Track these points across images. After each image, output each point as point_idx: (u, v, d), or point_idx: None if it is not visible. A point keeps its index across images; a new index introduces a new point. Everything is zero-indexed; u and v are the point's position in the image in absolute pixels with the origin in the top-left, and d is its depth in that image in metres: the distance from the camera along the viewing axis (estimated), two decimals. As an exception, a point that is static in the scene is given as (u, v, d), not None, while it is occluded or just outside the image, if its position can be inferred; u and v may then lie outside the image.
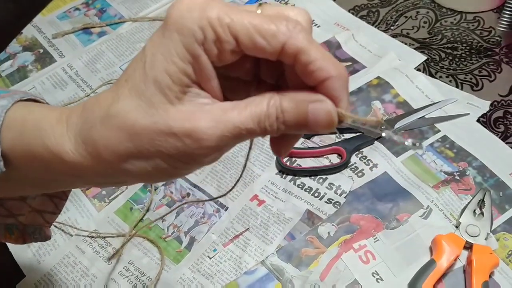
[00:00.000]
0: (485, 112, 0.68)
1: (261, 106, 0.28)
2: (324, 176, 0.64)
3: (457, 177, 0.62)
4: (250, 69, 0.31)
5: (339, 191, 0.62)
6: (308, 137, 0.68)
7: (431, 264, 0.54)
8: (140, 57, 0.28)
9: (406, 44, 0.77)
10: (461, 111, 0.68)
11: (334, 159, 0.66)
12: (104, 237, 0.61)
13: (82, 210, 0.64)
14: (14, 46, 0.84)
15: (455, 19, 0.80)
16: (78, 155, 0.30)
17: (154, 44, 0.28)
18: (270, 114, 0.28)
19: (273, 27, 0.26)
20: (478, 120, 0.67)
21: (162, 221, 0.62)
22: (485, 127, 0.67)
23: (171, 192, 0.64)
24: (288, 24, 0.27)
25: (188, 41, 0.27)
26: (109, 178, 0.32)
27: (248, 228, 0.61)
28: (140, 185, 0.65)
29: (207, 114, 0.28)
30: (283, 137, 0.31)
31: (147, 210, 0.63)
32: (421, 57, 0.75)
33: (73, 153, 0.30)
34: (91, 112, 0.30)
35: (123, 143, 0.28)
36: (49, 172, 0.33)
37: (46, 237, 0.44)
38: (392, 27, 0.80)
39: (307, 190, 0.63)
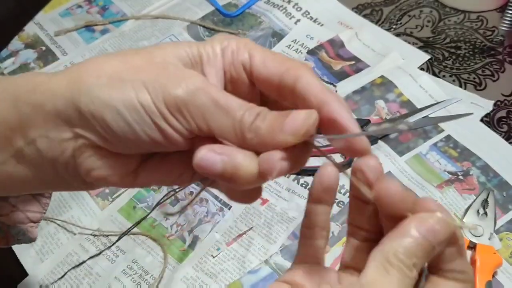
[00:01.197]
0: (488, 111, 0.68)
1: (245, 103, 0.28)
2: (327, 175, 0.64)
3: (460, 177, 0.62)
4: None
5: (342, 191, 0.62)
6: (311, 136, 0.68)
7: (435, 264, 0.54)
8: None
9: (409, 43, 0.77)
10: (464, 110, 0.68)
11: (338, 158, 0.66)
12: (108, 236, 0.61)
13: (85, 208, 0.64)
14: (16, 43, 0.84)
15: (458, 18, 0.80)
16: (54, 80, 0.29)
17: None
18: (254, 107, 0.28)
19: (281, 56, 0.29)
20: (481, 120, 0.67)
21: (166, 220, 0.62)
22: (489, 126, 0.67)
23: (176, 191, 0.64)
24: (295, 59, 0.31)
25: (215, 42, 0.30)
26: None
27: (251, 227, 0.61)
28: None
29: (202, 76, 0.29)
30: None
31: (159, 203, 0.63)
32: (424, 56, 0.75)
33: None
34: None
35: (102, 66, 0.28)
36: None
37: (31, 239, 0.43)
38: (395, 26, 0.80)
39: (311, 189, 0.63)
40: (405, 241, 0.26)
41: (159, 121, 0.27)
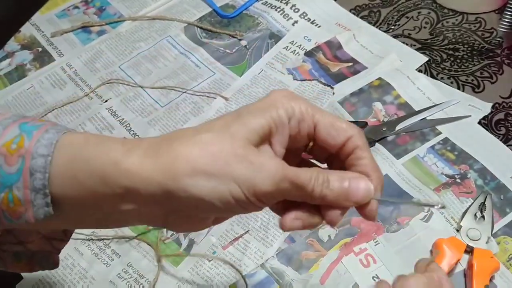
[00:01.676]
0: (486, 114, 0.68)
1: (311, 170, 0.33)
2: (324, 178, 0.63)
3: (458, 180, 0.62)
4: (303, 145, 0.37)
5: (339, 194, 0.62)
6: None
7: (432, 268, 0.54)
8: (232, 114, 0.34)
9: (407, 44, 0.77)
10: (462, 113, 0.68)
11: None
12: (103, 239, 0.61)
13: (80, 211, 0.63)
14: (12, 44, 0.83)
15: (456, 19, 0.80)
16: (143, 167, 0.31)
17: (249, 105, 0.34)
18: (319, 177, 0.32)
19: (344, 124, 0.34)
20: (479, 122, 0.67)
21: (161, 223, 0.62)
22: (487, 129, 0.66)
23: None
24: (352, 125, 0.35)
25: (281, 111, 0.33)
26: (165, 204, 0.33)
27: (248, 231, 0.60)
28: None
29: (275, 158, 0.33)
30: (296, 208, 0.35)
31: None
32: (422, 58, 0.75)
33: (140, 164, 0.31)
34: (175, 134, 0.33)
35: (194, 157, 0.31)
36: (100, 205, 0.33)
37: (55, 264, 0.44)
38: (393, 28, 0.80)
39: (307, 192, 0.63)
40: None
41: (247, 207, 0.32)
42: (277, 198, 0.33)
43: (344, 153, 0.35)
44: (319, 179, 0.33)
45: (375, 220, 0.36)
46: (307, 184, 0.32)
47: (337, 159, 0.36)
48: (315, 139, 0.35)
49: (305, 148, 0.37)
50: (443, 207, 0.33)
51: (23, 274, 0.58)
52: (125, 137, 0.33)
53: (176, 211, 0.33)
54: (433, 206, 0.31)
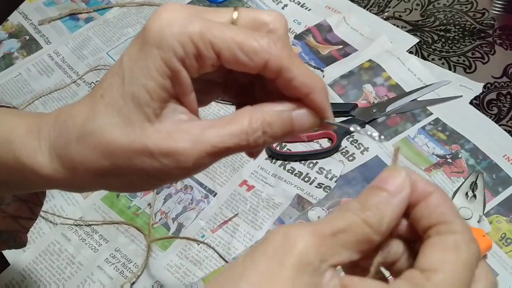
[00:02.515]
0: (478, 94, 0.67)
1: (241, 123, 0.28)
2: (314, 161, 0.63)
3: (449, 160, 0.61)
4: (224, 73, 0.31)
5: (329, 176, 0.61)
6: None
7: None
8: (117, 71, 0.28)
9: (398, 26, 0.76)
10: (454, 93, 0.67)
11: (325, 143, 0.65)
12: (91, 225, 0.60)
13: (67, 197, 0.62)
14: (0, 33, 0.82)
15: (448, 1, 0.79)
16: (52, 169, 0.30)
17: (131, 58, 0.28)
18: (255, 130, 0.28)
19: (255, 44, 0.27)
20: (471, 103, 0.66)
21: (150, 208, 0.61)
22: (478, 109, 0.66)
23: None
24: (270, 41, 0.27)
25: (167, 56, 0.26)
26: (83, 189, 0.33)
27: (237, 214, 0.59)
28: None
29: (185, 134, 0.28)
30: None
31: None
32: (413, 40, 0.74)
33: (47, 167, 0.30)
34: (65, 127, 0.30)
35: (99, 161, 0.28)
36: (21, 183, 0.33)
37: (22, 244, 0.43)
38: (384, 10, 0.79)
39: (297, 174, 0.62)
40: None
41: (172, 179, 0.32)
42: (207, 165, 0.29)
43: (268, 77, 0.28)
44: (254, 133, 0.28)
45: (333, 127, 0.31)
46: (237, 147, 0.28)
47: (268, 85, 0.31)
48: (228, 71, 0.29)
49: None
50: (382, 140, 0.31)
51: (9, 261, 0.58)
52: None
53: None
54: (373, 137, 0.28)
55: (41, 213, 0.60)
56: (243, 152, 0.31)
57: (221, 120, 0.28)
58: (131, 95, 0.27)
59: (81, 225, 0.60)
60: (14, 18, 0.84)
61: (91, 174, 0.29)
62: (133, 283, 0.56)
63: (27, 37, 0.81)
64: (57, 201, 0.62)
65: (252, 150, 0.31)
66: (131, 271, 0.56)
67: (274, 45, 0.27)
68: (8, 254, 0.58)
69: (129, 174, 0.29)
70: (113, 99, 0.28)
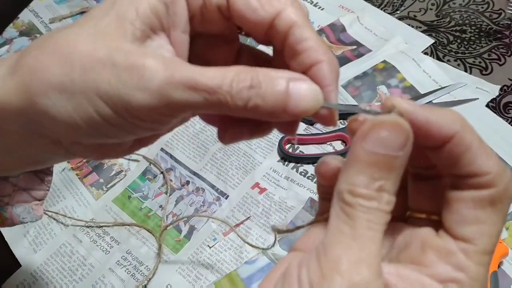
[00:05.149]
0: (494, 97, 0.66)
1: (232, 69, 0.23)
2: (327, 163, 0.62)
3: (465, 164, 0.60)
4: (231, 55, 0.28)
5: (343, 179, 0.60)
6: (311, 123, 0.66)
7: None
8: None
9: (413, 27, 0.75)
10: (469, 96, 0.66)
11: (338, 145, 0.64)
12: (102, 226, 0.60)
13: (79, 198, 0.62)
14: (10, 31, 0.82)
15: (463, 0, 0.77)
16: (3, 86, 0.26)
17: None
18: (243, 79, 0.23)
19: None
20: (487, 105, 0.65)
21: (161, 210, 0.60)
22: (495, 112, 0.64)
23: (171, 180, 0.63)
24: None
25: None
26: (34, 133, 0.26)
27: (249, 217, 0.59)
28: (138, 173, 0.64)
29: (160, 57, 0.23)
30: (236, 123, 0.27)
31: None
32: (428, 40, 0.73)
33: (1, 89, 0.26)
34: (34, 40, 0.27)
35: (50, 68, 0.24)
36: None
37: (37, 217, 0.41)
38: (398, 10, 0.78)
39: (310, 177, 0.61)
40: (352, 169, 0.21)
41: (129, 128, 0.25)
42: (174, 115, 0.24)
43: (277, 36, 0.25)
44: (240, 82, 0.23)
45: (336, 124, 0.26)
46: (217, 90, 0.23)
47: (277, 53, 0.27)
48: (232, 17, 0.25)
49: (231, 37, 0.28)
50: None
51: (21, 262, 0.58)
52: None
53: (47, 137, 0.26)
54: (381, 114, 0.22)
55: (52, 214, 0.60)
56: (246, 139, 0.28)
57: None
58: (116, 11, 0.24)
59: (93, 226, 0.60)
60: (25, 16, 0.84)
61: (38, 85, 0.24)
62: (145, 286, 0.55)
63: (38, 35, 0.81)
64: (68, 202, 0.62)
65: (231, 113, 0.24)
66: (142, 274, 0.56)
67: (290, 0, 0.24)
68: (20, 255, 0.58)
69: (78, 93, 0.24)
70: (96, 14, 0.24)
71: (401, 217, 0.25)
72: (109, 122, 0.24)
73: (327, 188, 0.25)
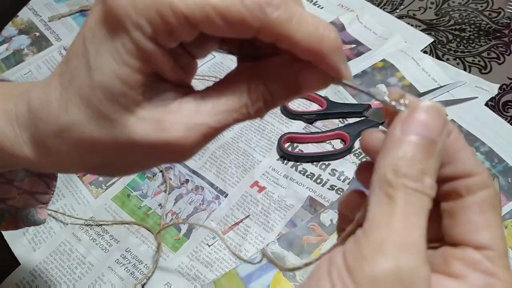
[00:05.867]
0: (493, 95, 0.66)
1: (239, 95, 0.24)
2: (326, 162, 0.62)
3: (464, 163, 0.60)
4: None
5: (342, 177, 0.61)
6: (310, 122, 0.66)
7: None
8: (81, 51, 0.23)
9: (412, 25, 0.75)
10: (469, 94, 0.66)
11: (337, 144, 0.64)
12: (101, 225, 0.60)
13: (78, 196, 0.62)
14: (9, 29, 0.82)
15: (463, -1, 0.77)
16: (34, 158, 0.27)
17: (95, 36, 0.23)
18: (255, 100, 0.24)
19: (239, 8, 0.21)
20: (486, 104, 0.65)
21: (160, 208, 0.60)
22: (494, 111, 0.65)
23: (170, 179, 0.63)
24: (260, 1, 0.21)
25: (137, 37, 0.22)
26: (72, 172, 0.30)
27: (248, 215, 0.59)
28: (138, 171, 0.64)
29: (175, 118, 0.23)
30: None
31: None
32: (427, 39, 0.73)
33: (32, 157, 0.27)
34: (39, 119, 0.26)
35: (84, 156, 0.26)
36: (4, 167, 0.31)
37: (40, 220, 0.41)
38: (398, 8, 0.78)
39: (309, 176, 0.61)
40: (394, 152, 0.21)
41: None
42: (206, 144, 0.25)
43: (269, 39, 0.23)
44: (255, 103, 0.24)
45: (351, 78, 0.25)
46: (238, 118, 0.24)
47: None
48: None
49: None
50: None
51: (20, 260, 0.58)
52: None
53: None
54: (393, 106, 0.22)
55: (52, 213, 0.60)
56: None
57: (214, 90, 0.24)
58: (101, 85, 0.23)
59: (92, 225, 0.60)
60: (24, 14, 0.84)
61: (78, 167, 0.27)
62: (144, 284, 0.55)
63: (37, 34, 0.81)
64: (67, 200, 0.62)
65: (253, 118, 0.25)
66: (141, 272, 0.56)
67: (266, 6, 0.21)
68: (19, 253, 0.58)
69: (120, 165, 0.26)
70: (81, 88, 0.24)
71: None
72: (148, 167, 0.29)
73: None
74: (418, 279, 0.19)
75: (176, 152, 0.24)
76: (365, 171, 0.25)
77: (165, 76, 0.24)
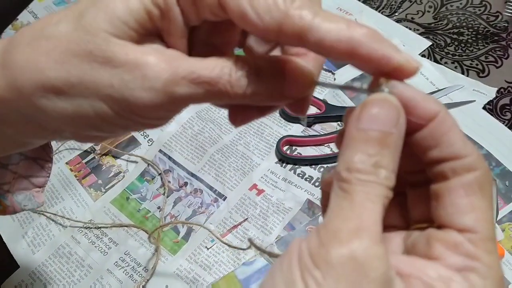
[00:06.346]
0: (491, 99, 0.66)
1: (226, 57, 0.24)
2: (325, 165, 0.62)
3: (462, 166, 0.60)
4: (236, 37, 0.27)
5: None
6: (309, 125, 0.66)
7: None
8: None
9: (410, 29, 0.75)
10: (466, 98, 0.66)
11: (335, 148, 0.64)
12: (100, 227, 0.60)
13: (77, 199, 0.62)
14: (10, 32, 0.82)
15: (461, 3, 0.78)
16: (10, 96, 0.25)
17: None
18: (242, 62, 0.24)
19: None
20: (484, 108, 0.65)
21: (159, 211, 0.61)
22: (491, 114, 0.65)
23: (169, 182, 0.63)
24: None
25: None
26: (31, 123, 0.26)
27: (246, 218, 0.59)
28: (137, 174, 0.64)
29: (160, 52, 0.23)
30: (245, 107, 0.27)
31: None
32: (426, 43, 0.73)
33: (6, 93, 0.25)
34: (20, 33, 0.25)
35: (44, 70, 0.23)
36: None
37: (38, 203, 0.41)
38: (396, 12, 0.78)
39: (308, 179, 0.61)
40: (348, 149, 0.21)
41: (131, 125, 0.25)
42: (177, 109, 0.25)
43: (295, 39, 0.22)
44: (239, 69, 0.23)
45: (304, 113, 0.26)
46: (218, 80, 0.23)
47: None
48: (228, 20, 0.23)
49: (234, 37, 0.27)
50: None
51: (19, 263, 0.58)
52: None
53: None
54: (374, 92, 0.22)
55: (51, 216, 0.60)
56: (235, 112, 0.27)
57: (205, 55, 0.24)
58: (105, 4, 0.23)
59: (91, 228, 0.60)
60: (24, 17, 0.84)
61: (33, 87, 0.24)
62: (143, 287, 0.55)
63: (37, 37, 0.81)
64: (66, 203, 0.62)
65: (233, 101, 0.24)
66: (140, 275, 0.56)
67: (291, 1, 0.21)
68: (18, 256, 0.58)
69: (77, 96, 0.24)
70: (83, 5, 0.23)
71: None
72: (110, 121, 0.24)
73: None
74: (372, 258, 0.20)
75: (147, 83, 0.23)
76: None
77: (170, 43, 0.24)
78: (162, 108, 0.24)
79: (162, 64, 0.23)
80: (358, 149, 0.21)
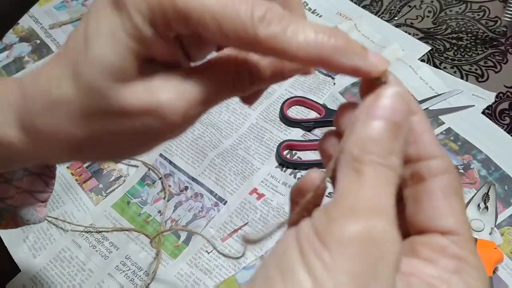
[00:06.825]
0: (490, 103, 0.66)
1: (226, 67, 0.25)
2: (325, 169, 0.63)
3: (461, 171, 0.61)
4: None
5: (340, 185, 0.61)
6: (308, 129, 0.66)
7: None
8: (82, 26, 0.24)
9: (410, 34, 0.76)
10: (466, 102, 0.66)
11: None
12: (101, 232, 0.60)
13: (78, 203, 0.63)
14: (10, 36, 0.83)
15: (460, 8, 0.78)
16: (20, 142, 0.27)
17: (99, 11, 0.23)
18: (241, 74, 0.25)
19: (241, 13, 0.21)
20: (483, 112, 0.66)
21: (160, 215, 0.61)
22: (490, 119, 0.65)
23: (169, 186, 0.63)
24: (265, 10, 0.21)
25: (137, 19, 0.22)
26: (55, 161, 0.30)
27: (247, 223, 0.59)
28: (137, 178, 0.64)
29: (165, 83, 0.24)
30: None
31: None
32: (425, 48, 0.73)
33: (16, 141, 0.27)
34: (30, 96, 0.26)
35: (72, 133, 0.25)
36: None
37: (40, 219, 0.41)
38: (395, 17, 0.79)
39: (308, 183, 0.62)
40: (364, 131, 0.21)
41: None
42: (197, 116, 0.26)
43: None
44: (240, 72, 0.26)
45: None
46: (224, 90, 0.26)
47: None
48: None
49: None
50: None
51: (20, 267, 0.58)
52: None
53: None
54: None
55: (52, 220, 0.61)
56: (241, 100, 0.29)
57: (203, 65, 0.26)
58: (96, 58, 0.23)
59: (92, 232, 0.60)
60: (25, 22, 0.84)
61: (66, 148, 0.26)
62: (143, 291, 0.56)
63: (38, 41, 0.81)
64: (67, 207, 0.62)
65: (239, 93, 0.27)
66: (141, 279, 0.56)
67: (259, 21, 0.21)
68: (19, 260, 0.58)
69: (107, 142, 0.26)
70: (76, 61, 0.24)
71: None
72: (137, 150, 0.28)
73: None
74: (391, 240, 0.19)
75: (167, 120, 0.24)
76: (328, 140, 0.26)
77: (160, 60, 0.25)
78: (185, 129, 0.26)
79: (173, 99, 0.24)
80: (372, 133, 0.21)
